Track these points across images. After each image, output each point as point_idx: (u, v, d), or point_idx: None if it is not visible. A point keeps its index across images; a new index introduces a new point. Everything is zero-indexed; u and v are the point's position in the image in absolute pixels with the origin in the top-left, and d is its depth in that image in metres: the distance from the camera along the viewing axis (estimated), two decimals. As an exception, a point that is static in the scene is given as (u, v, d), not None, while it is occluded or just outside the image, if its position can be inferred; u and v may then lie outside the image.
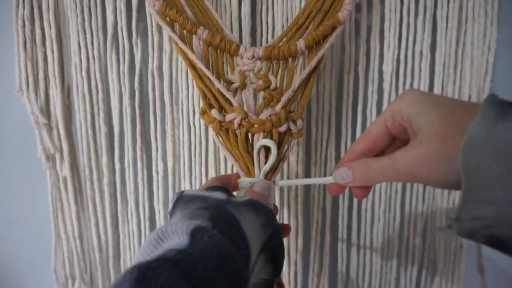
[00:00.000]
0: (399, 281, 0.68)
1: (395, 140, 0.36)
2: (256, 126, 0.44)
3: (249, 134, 0.45)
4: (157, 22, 0.58)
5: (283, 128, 0.45)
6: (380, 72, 0.61)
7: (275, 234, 0.37)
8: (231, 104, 0.44)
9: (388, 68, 0.60)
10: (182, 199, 0.38)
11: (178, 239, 0.29)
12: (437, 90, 0.60)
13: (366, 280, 0.67)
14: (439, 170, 0.29)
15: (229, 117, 0.44)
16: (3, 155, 0.70)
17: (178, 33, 0.46)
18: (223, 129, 0.45)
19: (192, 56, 0.44)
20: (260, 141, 0.44)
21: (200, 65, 0.44)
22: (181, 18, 0.44)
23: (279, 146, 0.45)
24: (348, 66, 0.60)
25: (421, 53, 0.60)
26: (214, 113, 0.44)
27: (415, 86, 0.60)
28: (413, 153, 0.30)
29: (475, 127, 0.26)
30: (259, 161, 0.44)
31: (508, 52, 0.61)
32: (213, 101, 0.45)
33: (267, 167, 0.43)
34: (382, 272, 0.67)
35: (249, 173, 0.44)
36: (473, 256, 0.67)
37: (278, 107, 0.44)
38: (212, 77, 0.44)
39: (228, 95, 0.44)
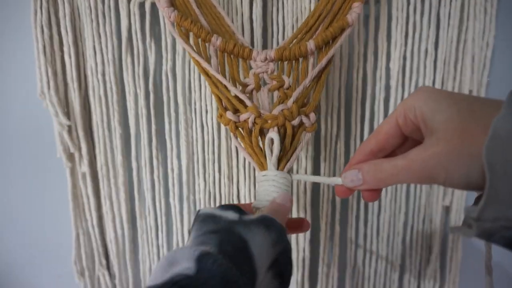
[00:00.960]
0: (403, 268, 0.71)
1: (407, 141, 0.35)
2: (269, 121, 0.47)
3: (264, 131, 0.48)
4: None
5: (296, 122, 0.47)
6: (388, 70, 0.63)
7: (285, 250, 0.37)
8: (245, 105, 0.47)
9: (395, 65, 0.62)
10: (198, 218, 0.39)
11: (186, 265, 0.30)
12: (437, 85, 0.63)
13: (373, 267, 0.70)
14: (459, 170, 0.27)
15: (243, 116, 0.47)
16: (8, 156, 0.73)
17: (193, 41, 0.49)
18: (239, 129, 0.48)
19: (205, 64, 0.47)
20: (268, 135, 0.46)
21: (213, 72, 0.47)
22: (196, 28, 0.47)
23: (293, 139, 0.47)
24: (357, 64, 0.63)
25: (426, 50, 0.62)
26: (229, 115, 0.47)
27: (421, 83, 0.63)
28: (429, 152, 0.29)
29: (500, 121, 0.25)
30: (271, 154, 0.46)
31: (506, 47, 0.63)
32: (227, 104, 0.48)
33: (273, 159, 0.46)
34: (388, 260, 0.70)
35: (264, 168, 0.47)
36: (468, 252, 0.70)
37: (290, 102, 0.47)
38: (225, 82, 0.47)
39: (243, 96, 0.47)
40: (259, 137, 0.48)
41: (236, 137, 0.49)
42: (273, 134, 0.46)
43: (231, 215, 0.38)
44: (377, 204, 0.67)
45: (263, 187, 0.46)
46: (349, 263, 0.71)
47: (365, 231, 0.69)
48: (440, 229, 0.69)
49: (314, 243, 0.69)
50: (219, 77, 0.47)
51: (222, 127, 0.64)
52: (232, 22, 0.60)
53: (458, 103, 0.29)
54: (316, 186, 0.67)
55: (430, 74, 0.63)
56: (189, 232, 0.40)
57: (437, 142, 0.28)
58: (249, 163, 0.65)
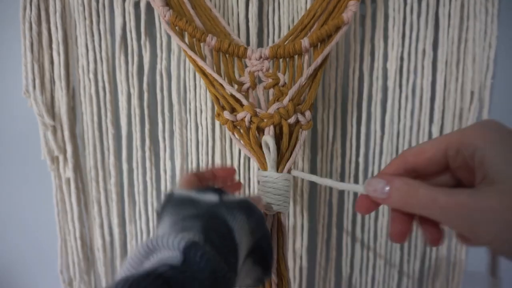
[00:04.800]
0: (401, 274, 0.74)
1: (445, 173, 0.32)
2: (265, 120, 0.51)
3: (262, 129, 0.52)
4: (165, 24, 0.64)
5: (292, 120, 0.51)
6: (384, 70, 0.67)
7: (265, 236, 0.39)
8: (241, 104, 0.51)
9: (392, 66, 0.67)
10: (172, 201, 0.39)
11: (169, 254, 0.31)
12: (439, 86, 0.67)
13: (370, 273, 0.73)
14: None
15: (239, 116, 0.51)
16: (6, 157, 0.76)
17: (187, 41, 0.52)
18: (237, 128, 0.51)
19: (201, 63, 0.51)
20: (263, 137, 0.50)
21: (209, 70, 0.51)
22: (191, 28, 0.51)
23: (290, 138, 0.52)
24: (353, 65, 0.67)
25: (423, 51, 0.66)
26: (226, 114, 0.51)
27: (418, 84, 0.67)
28: (487, 203, 0.26)
29: None
30: (269, 153, 0.50)
31: (508, 48, 0.67)
32: (224, 104, 0.52)
33: (272, 163, 0.50)
34: (386, 266, 0.73)
35: (264, 168, 0.52)
36: (471, 259, 0.73)
37: (286, 100, 0.51)
38: (221, 81, 0.51)
39: (239, 95, 0.51)
40: (258, 135, 0.52)
41: (235, 136, 0.52)
42: (267, 137, 0.50)
43: (211, 198, 0.38)
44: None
45: (265, 188, 0.50)
46: (345, 269, 0.74)
47: (362, 236, 0.73)
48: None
49: (311, 246, 0.72)
50: (216, 75, 0.51)
51: (217, 127, 0.68)
52: (228, 22, 0.65)
53: None
54: (313, 188, 0.71)
55: (428, 75, 0.67)
56: (158, 214, 0.40)
57: (500, 196, 0.25)
58: (244, 164, 0.69)
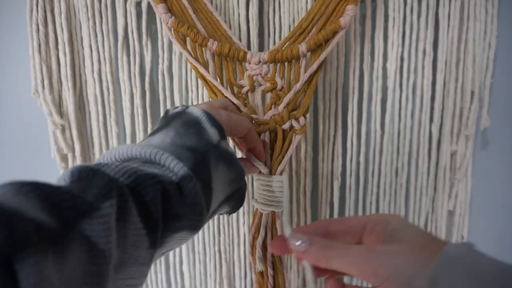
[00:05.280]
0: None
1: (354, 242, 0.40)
2: (261, 126, 0.54)
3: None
4: (167, 26, 0.66)
5: (286, 126, 0.54)
6: (384, 70, 0.69)
7: (240, 190, 0.46)
8: (239, 110, 0.53)
9: (392, 66, 0.68)
10: (184, 116, 0.43)
11: (169, 175, 0.37)
12: (439, 86, 0.68)
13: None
14: (406, 273, 0.33)
15: None
16: (17, 156, 0.79)
17: (189, 46, 0.54)
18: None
19: (202, 71, 0.53)
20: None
21: (210, 78, 0.53)
22: (193, 33, 0.53)
23: (283, 142, 0.55)
24: (354, 65, 0.68)
25: (424, 50, 0.67)
26: None
27: (419, 83, 0.68)
28: (390, 248, 0.35)
29: (450, 246, 0.33)
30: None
31: (508, 48, 0.68)
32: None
33: (265, 169, 0.54)
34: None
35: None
36: None
37: (281, 107, 0.54)
38: (221, 88, 0.53)
39: (237, 102, 0.53)
40: None
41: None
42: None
43: (214, 136, 0.43)
44: (375, 206, 0.73)
45: (259, 190, 0.54)
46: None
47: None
48: (446, 234, 0.74)
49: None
50: (216, 83, 0.53)
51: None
52: (229, 22, 0.66)
53: (423, 232, 0.37)
54: (315, 188, 0.73)
55: (429, 75, 0.68)
56: (166, 114, 0.45)
57: (399, 245, 0.35)
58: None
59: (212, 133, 0.43)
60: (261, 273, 0.60)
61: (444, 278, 0.31)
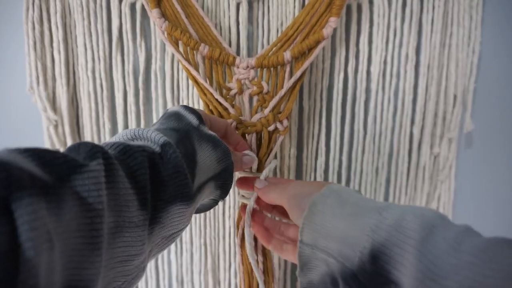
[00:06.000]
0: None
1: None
2: (249, 128, 0.58)
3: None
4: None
5: (271, 128, 0.60)
6: (368, 73, 0.73)
7: (228, 168, 0.51)
8: (228, 112, 0.57)
9: (375, 69, 0.72)
10: (165, 115, 0.50)
11: (152, 145, 0.42)
12: (421, 89, 0.73)
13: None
14: (302, 195, 0.48)
15: None
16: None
17: (182, 49, 0.58)
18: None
19: (194, 73, 0.57)
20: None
21: (201, 80, 0.57)
22: (185, 38, 0.57)
23: (269, 142, 0.60)
24: (339, 67, 0.72)
25: (407, 55, 0.72)
26: None
27: (401, 86, 0.73)
28: (301, 183, 0.52)
29: (335, 184, 0.49)
30: None
31: (491, 53, 0.72)
32: (213, 110, 0.58)
33: (255, 162, 0.60)
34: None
35: None
36: None
37: (267, 111, 0.59)
38: (212, 90, 0.57)
39: (226, 104, 0.57)
40: None
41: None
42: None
43: (193, 120, 0.49)
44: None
45: None
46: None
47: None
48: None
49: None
50: (207, 85, 0.57)
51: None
52: (220, 24, 0.70)
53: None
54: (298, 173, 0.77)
55: (411, 79, 0.72)
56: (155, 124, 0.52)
57: (307, 183, 0.53)
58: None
59: (191, 117, 0.49)
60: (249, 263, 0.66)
61: (320, 201, 0.45)
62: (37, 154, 0.29)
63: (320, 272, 0.45)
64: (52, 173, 0.29)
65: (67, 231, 0.28)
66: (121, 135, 0.44)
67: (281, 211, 0.57)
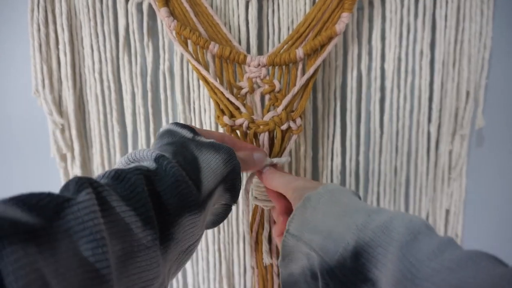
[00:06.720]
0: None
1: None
2: (261, 127, 0.58)
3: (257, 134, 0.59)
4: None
5: (284, 127, 0.60)
6: (382, 70, 0.72)
7: (235, 169, 0.50)
8: (239, 111, 0.56)
9: (389, 66, 0.71)
10: (158, 135, 0.51)
11: (146, 163, 0.42)
12: (437, 86, 0.72)
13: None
14: (302, 190, 0.50)
15: (238, 121, 0.58)
16: (16, 155, 0.82)
17: (191, 48, 0.58)
18: (235, 131, 0.57)
19: (204, 72, 0.57)
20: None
21: (211, 79, 0.56)
22: (195, 36, 0.56)
23: (282, 141, 0.60)
24: (352, 65, 0.72)
25: (421, 51, 0.71)
26: (226, 119, 0.57)
27: (416, 83, 0.72)
28: (305, 179, 0.56)
29: (333, 183, 0.52)
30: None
31: (503, 49, 0.71)
32: (224, 109, 0.57)
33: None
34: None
35: None
36: None
37: (280, 109, 0.59)
38: (222, 89, 0.56)
39: (237, 103, 0.57)
40: (253, 138, 0.60)
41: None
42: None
43: (186, 133, 0.49)
44: (376, 205, 0.76)
45: (259, 188, 0.61)
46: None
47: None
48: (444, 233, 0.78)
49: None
50: (217, 84, 0.56)
51: (220, 126, 0.73)
52: (229, 23, 0.69)
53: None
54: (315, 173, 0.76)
55: (426, 75, 0.71)
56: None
57: (309, 180, 0.56)
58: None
59: (184, 132, 0.49)
60: (265, 267, 0.66)
61: (314, 197, 0.47)
62: (22, 200, 0.28)
63: (301, 265, 0.46)
64: (40, 215, 0.28)
65: (69, 269, 0.28)
66: (117, 164, 0.44)
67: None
